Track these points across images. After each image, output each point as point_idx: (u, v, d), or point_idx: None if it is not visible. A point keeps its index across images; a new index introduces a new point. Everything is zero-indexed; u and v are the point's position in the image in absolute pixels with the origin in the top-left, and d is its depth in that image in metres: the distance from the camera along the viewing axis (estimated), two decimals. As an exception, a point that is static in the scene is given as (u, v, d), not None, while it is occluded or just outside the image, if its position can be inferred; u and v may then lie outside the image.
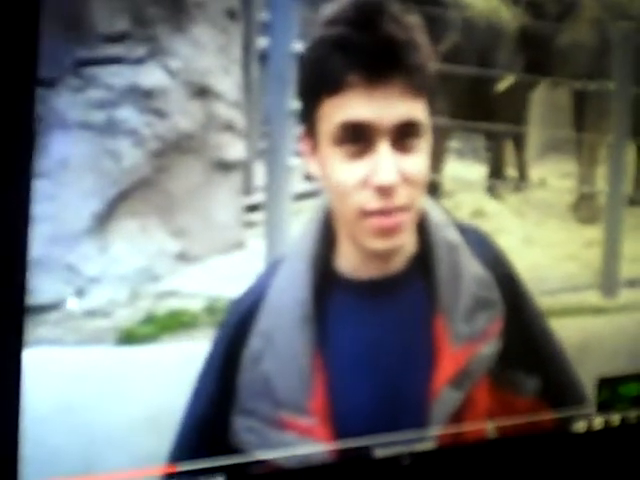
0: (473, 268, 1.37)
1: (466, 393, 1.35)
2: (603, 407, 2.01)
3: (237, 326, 1.32)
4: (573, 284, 2.89)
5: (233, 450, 1.35)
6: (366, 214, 1.19)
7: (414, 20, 1.19)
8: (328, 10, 1.23)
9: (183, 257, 2.16)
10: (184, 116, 2.20)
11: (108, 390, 1.76)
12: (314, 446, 1.32)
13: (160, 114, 2.13)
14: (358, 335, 1.34)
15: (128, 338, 1.93)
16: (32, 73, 1.43)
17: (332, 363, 1.31)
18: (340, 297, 1.33)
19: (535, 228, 3.08)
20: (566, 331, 1.81)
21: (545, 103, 3.56)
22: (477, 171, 2.98)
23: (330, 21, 1.22)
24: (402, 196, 1.20)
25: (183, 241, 2.16)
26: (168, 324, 2.00)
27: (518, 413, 1.42)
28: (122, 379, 1.81)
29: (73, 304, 1.81)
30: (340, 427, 1.29)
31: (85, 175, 1.98)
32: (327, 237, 1.34)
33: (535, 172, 3.61)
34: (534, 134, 3.58)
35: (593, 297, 2.96)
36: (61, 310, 1.87)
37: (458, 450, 1.46)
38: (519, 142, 3.78)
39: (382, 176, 1.16)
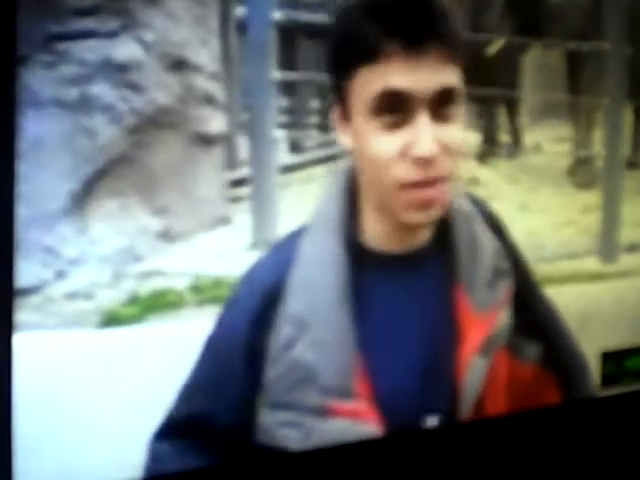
0: (487, 238, 1.34)
1: (491, 360, 1.32)
2: (608, 381, 1.96)
3: (259, 309, 1.25)
4: (571, 250, 2.84)
5: (260, 447, 1.29)
6: (405, 186, 1.15)
7: None
8: None
9: (166, 235, 2.11)
10: (161, 90, 2.14)
11: (93, 374, 1.71)
12: (364, 428, 1.27)
13: (136, 88, 2.07)
14: (389, 311, 1.30)
15: (112, 320, 1.89)
16: (11, 52, 1.36)
17: (368, 342, 1.27)
18: (371, 272, 1.29)
19: (530, 194, 3.02)
20: (565, 299, 1.75)
21: (538, 66, 3.50)
22: (469, 138, 2.92)
23: None
24: (441, 166, 1.17)
25: (165, 219, 2.11)
26: (153, 304, 1.96)
27: (523, 380, 1.39)
28: (107, 361, 1.75)
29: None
30: (385, 406, 1.25)
31: (60, 154, 1.93)
32: (352, 209, 1.28)
33: (529, 137, 3.56)
34: (527, 99, 3.53)
35: (592, 263, 2.91)
36: (42, 293, 1.82)
37: (482, 423, 1.42)
38: (512, 107, 3.72)
39: (422, 147, 1.12)
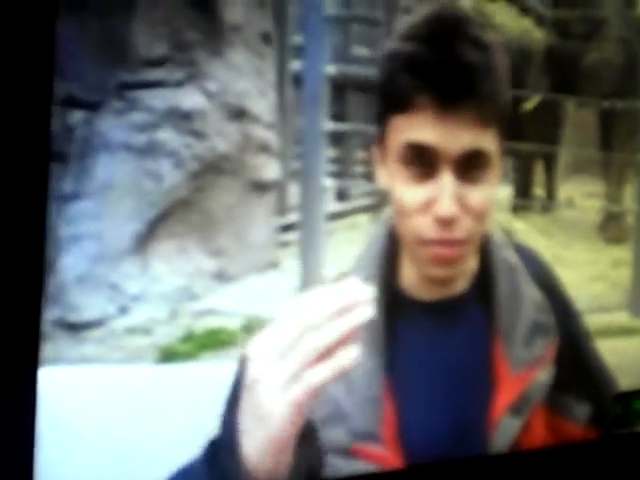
0: (531, 291, 1.35)
1: (525, 420, 1.34)
2: (618, 422, 2.01)
3: None
4: (601, 304, 2.88)
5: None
6: (425, 242, 1.18)
7: (494, 39, 1.16)
8: (402, 24, 1.21)
9: (220, 276, 2.19)
10: (222, 137, 2.23)
11: (149, 408, 1.77)
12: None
13: (199, 135, 2.16)
14: (424, 358, 1.31)
15: (168, 356, 1.95)
16: (48, 91, 1.43)
17: (400, 387, 1.28)
18: (406, 318, 1.30)
19: (563, 248, 3.09)
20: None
21: (572, 123, 3.58)
22: (504, 191, 3.00)
23: (403, 36, 1.18)
24: (463, 228, 1.16)
25: (220, 260, 2.19)
26: (207, 342, 2.02)
27: (569, 439, 1.41)
28: (163, 397, 1.82)
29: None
30: (409, 454, 1.27)
31: (127, 196, 2.02)
32: (392, 254, 1.32)
33: (562, 192, 3.64)
34: (562, 154, 3.59)
35: (622, 317, 2.95)
36: (106, 327, 1.90)
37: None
38: (550, 162, 3.81)
39: (443, 207, 1.13)
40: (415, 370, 1.31)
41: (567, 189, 3.55)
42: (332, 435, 1.26)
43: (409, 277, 1.30)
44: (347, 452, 1.26)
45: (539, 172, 3.63)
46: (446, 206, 1.13)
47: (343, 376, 1.29)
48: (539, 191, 3.61)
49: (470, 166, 1.15)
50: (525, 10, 3.73)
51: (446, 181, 1.14)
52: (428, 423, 1.31)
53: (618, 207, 3.57)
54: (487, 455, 1.33)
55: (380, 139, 1.23)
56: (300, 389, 0.80)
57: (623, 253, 3.26)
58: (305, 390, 0.80)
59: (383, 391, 1.27)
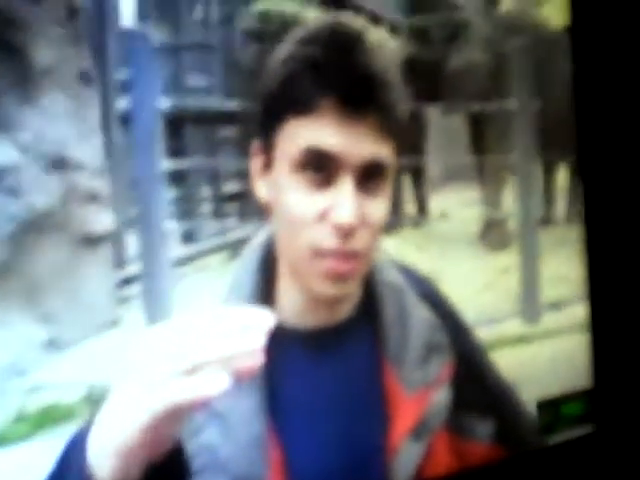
0: (420, 311, 1.25)
1: (426, 444, 1.22)
2: (546, 430, 1.91)
3: None
4: (492, 315, 2.80)
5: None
6: (319, 254, 1.05)
7: (391, 54, 1.06)
8: (300, 31, 1.11)
9: (52, 345, 2.02)
10: (40, 192, 2.06)
11: None
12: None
13: (12, 193, 1.99)
14: (309, 392, 1.19)
15: (-1, 440, 1.79)
16: None
17: (286, 427, 1.16)
18: (286, 350, 1.18)
19: (441, 261, 2.98)
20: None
21: (438, 131, 3.49)
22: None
23: (303, 40, 1.08)
24: (360, 240, 1.06)
25: (51, 327, 2.03)
26: (42, 420, 1.86)
27: (475, 460, 1.29)
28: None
29: None
30: None
31: None
32: (266, 281, 1.19)
33: (435, 203, 3.54)
34: (431, 165, 3.50)
35: (516, 325, 2.88)
36: None
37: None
38: (417, 174, 3.70)
39: (342, 214, 1.02)
40: (301, 406, 1.17)
41: (441, 200, 3.46)
42: (205, 483, 1.11)
43: (289, 305, 1.17)
44: (231, 502, 1.11)
45: (407, 186, 3.54)
46: (347, 213, 1.03)
47: (218, 419, 1.15)
48: (409, 206, 3.52)
49: (369, 177, 1.06)
50: (376, 20, 3.64)
51: (346, 189, 1.03)
52: (321, 463, 1.17)
53: (498, 212, 3.44)
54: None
55: (265, 145, 1.10)
56: (159, 399, 0.68)
57: (508, 259, 3.15)
58: (163, 402, 0.68)
59: (267, 433, 1.13)
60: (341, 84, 1.08)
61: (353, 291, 1.22)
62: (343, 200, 1.08)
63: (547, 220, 3.55)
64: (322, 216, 1.08)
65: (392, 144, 1.13)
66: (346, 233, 1.08)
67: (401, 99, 1.12)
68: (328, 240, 1.09)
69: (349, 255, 1.10)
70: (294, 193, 1.10)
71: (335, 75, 1.09)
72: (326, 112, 1.09)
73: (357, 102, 1.08)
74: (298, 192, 1.10)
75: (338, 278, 1.12)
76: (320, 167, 1.09)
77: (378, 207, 1.12)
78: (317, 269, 1.09)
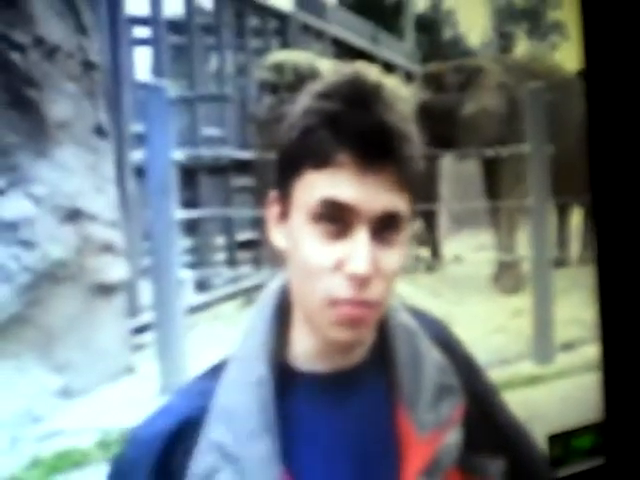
0: (432, 354, 1.27)
1: None
2: (557, 463, 1.92)
3: (162, 448, 1.17)
4: (504, 356, 2.81)
5: None
6: (334, 302, 1.08)
7: (406, 108, 1.10)
8: (318, 84, 1.14)
9: (67, 392, 2.06)
10: (55, 243, 2.10)
11: None
12: None
13: (27, 245, 2.03)
14: (322, 436, 1.21)
15: (13, 487, 1.81)
16: None
17: (299, 471, 1.18)
18: (299, 395, 1.20)
19: (454, 306, 3.00)
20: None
21: (452, 177, 3.52)
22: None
23: (321, 94, 1.12)
24: (374, 289, 1.09)
25: (66, 375, 2.06)
26: (56, 466, 1.89)
27: None
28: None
29: None
30: None
31: (-51, 321, 1.88)
32: (281, 327, 1.22)
33: (449, 248, 3.57)
34: (444, 210, 3.53)
35: (527, 367, 2.88)
36: None
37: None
38: (429, 219, 3.74)
39: (358, 264, 1.05)
40: (314, 448, 1.19)
41: (455, 245, 3.49)
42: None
43: (303, 350, 1.19)
44: None
45: (421, 231, 3.57)
46: (362, 263, 1.05)
47: (232, 463, 1.17)
48: (423, 251, 3.54)
49: (384, 228, 1.08)
50: (390, 68, 3.68)
51: (362, 239, 1.06)
52: None
53: (511, 256, 3.48)
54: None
55: (281, 197, 1.14)
56: None
57: (521, 302, 3.15)
58: None
59: (280, 475, 1.15)
60: (359, 138, 1.11)
61: (367, 337, 1.24)
62: (359, 251, 1.11)
63: (561, 262, 3.55)
64: (337, 266, 1.11)
65: (408, 195, 1.16)
66: (361, 283, 1.11)
67: (417, 151, 1.15)
68: (343, 290, 1.12)
69: (363, 304, 1.13)
70: (310, 243, 1.13)
71: (353, 129, 1.12)
72: (343, 165, 1.12)
73: (374, 155, 1.12)
74: (314, 242, 1.13)
75: (352, 324, 1.15)
76: (336, 218, 1.12)
77: (393, 257, 1.15)
78: (331, 316, 1.12)
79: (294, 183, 1.13)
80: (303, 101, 1.15)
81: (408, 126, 1.12)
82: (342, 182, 1.08)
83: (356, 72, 1.18)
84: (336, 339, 1.11)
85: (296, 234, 1.12)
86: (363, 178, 1.08)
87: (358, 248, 1.07)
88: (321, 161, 1.10)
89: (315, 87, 1.17)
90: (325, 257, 1.08)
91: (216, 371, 1.22)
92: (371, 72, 1.18)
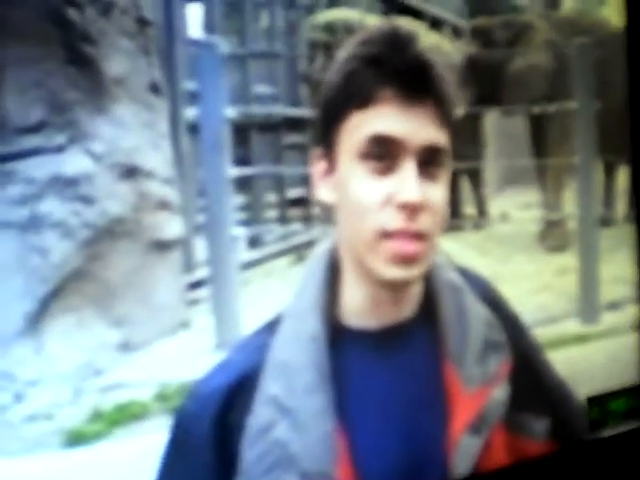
0: (478, 310, 1.29)
1: (485, 439, 1.26)
2: (595, 425, 1.94)
3: (222, 402, 1.21)
4: (550, 315, 2.82)
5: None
6: (386, 235, 1.11)
7: (445, 55, 1.19)
8: (360, 34, 1.20)
9: (126, 346, 2.09)
10: (113, 200, 2.13)
11: None
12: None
13: (87, 201, 2.06)
14: (373, 389, 1.25)
15: (76, 439, 1.86)
16: None
17: (352, 422, 1.22)
18: (350, 352, 1.23)
19: (501, 263, 3.01)
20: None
21: (499, 134, 3.51)
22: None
23: (363, 41, 1.18)
24: (424, 221, 1.12)
25: (125, 329, 2.09)
26: (117, 418, 1.93)
27: (530, 457, 1.34)
28: (74, 482, 1.71)
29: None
30: None
31: (13, 275, 1.92)
32: (332, 285, 1.25)
33: (495, 206, 3.56)
34: (490, 168, 3.52)
35: (573, 325, 2.88)
36: (-1, 419, 1.80)
37: None
38: (475, 177, 3.73)
39: (408, 193, 1.09)
40: (365, 402, 1.23)
41: (501, 203, 3.48)
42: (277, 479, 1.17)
43: (354, 305, 1.22)
44: (301, 496, 1.16)
45: (467, 189, 3.57)
46: (413, 191, 1.10)
47: (288, 416, 1.21)
48: (469, 209, 3.54)
49: (428, 162, 1.12)
50: (438, 24, 3.66)
51: (410, 171, 1.11)
52: (384, 455, 1.23)
53: (557, 214, 3.47)
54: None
55: (327, 149, 1.18)
56: None
57: (567, 260, 3.15)
58: None
59: (334, 428, 1.18)
60: (400, 74, 1.16)
61: (409, 295, 1.27)
62: (407, 180, 1.14)
63: (607, 221, 3.54)
64: (387, 200, 1.15)
65: (448, 132, 1.20)
66: (412, 212, 1.14)
67: (453, 92, 1.19)
68: (394, 221, 1.15)
69: (414, 235, 1.15)
70: (360, 181, 1.17)
71: (394, 67, 1.16)
72: (387, 101, 1.16)
73: (415, 91, 1.16)
74: (363, 180, 1.17)
75: (405, 260, 1.17)
76: (383, 155, 1.16)
77: (438, 192, 1.19)
78: (384, 253, 1.15)
79: (340, 128, 1.17)
80: (345, 50, 1.19)
81: (444, 69, 1.16)
82: (387, 117, 1.13)
83: (395, 23, 1.22)
84: (389, 277, 1.14)
85: (345, 177, 1.16)
86: (406, 112, 1.12)
87: (407, 178, 1.11)
88: (366, 100, 1.14)
89: (357, 37, 1.21)
90: (375, 192, 1.12)
91: (271, 327, 1.25)
92: (410, 24, 1.23)
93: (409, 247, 1.12)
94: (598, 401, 1.98)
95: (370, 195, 1.13)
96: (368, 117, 1.15)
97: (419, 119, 1.15)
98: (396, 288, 1.19)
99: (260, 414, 1.18)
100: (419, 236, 1.13)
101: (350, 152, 1.16)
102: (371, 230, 1.12)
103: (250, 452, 1.18)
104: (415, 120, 1.14)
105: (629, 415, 2.03)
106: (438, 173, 1.16)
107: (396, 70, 1.15)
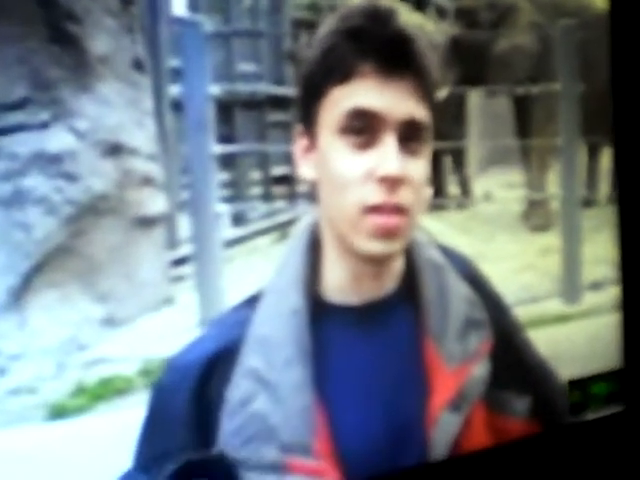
0: (460, 288, 1.31)
1: (465, 416, 1.28)
2: (576, 409, 1.96)
3: (200, 374, 1.22)
4: (533, 295, 2.84)
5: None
6: (367, 210, 1.13)
7: (424, 31, 1.20)
8: (339, 10, 1.22)
9: (110, 321, 2.10)
10: (97, 177, 2.14)
11: (44, 470, 1.68)
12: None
13: (70, 178, 2.07)
14: (353, 364, 1.26)
15: (59, 412, 1.87)
16: None
17: (331, 396, 1.23)
18: (331, 327, 1.25)
19: (484, 242, 3.03)
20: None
21: (482, 114, 3.53)
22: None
23: (343, 17, 1.20)
24: (404, 196, 1.14)
25: (108, 305, 2.11)
26: (101, 393, 1.95)
27: (511, 435, 1.36)
28: (57, 456, 1.72)
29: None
30: (347, 464, 1.21)
31: (-4, 251, 1.92)
32: (313, 260, 1.27)
33: (479, 186, 3.59)
34: (474, 147, 3.55)
35: (555, 305, 2.91)
36: (-20, 393, 1.81)
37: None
38: (459, 157, 3.76)
39: (388, 166, 1.11)
40: (345, 377, 1.26)
41: (484, 182, 3.51)
42: (262, 452, 1.20)
43: (335, 281, 1.25)
44: (279, 468, 1.20)
45: (450, 169, 3.59)
46: (393, 165, 1.13)
47: (268, 389, 1.23)
48: (453, 189, 3.57)
49: (410, 137, 1.15)
50: (422, 3, 3.67)
51: (390, 145, 1.14)
52: (364, 430, 1.26)
53: (541, 194, 3.51)
54: (429, 462, 1.27)
55: (307, 125, 1.21)
56: None
57: (550, 240, 3.19)
58: None
59: (313, 401, 1.21)
60: (379, 48, 1.18)
61: (399, 251, 1.28)
62: (388, 154, 1.16)
63: (589, 202, 3.57)
64: (368, 174, 1.17)
65: (428, 107, 1.21)
66: (392, 185, 1.16)
67: (433, 66, 1.21)
68: (375, 195, 1.17)
69: (395, 209, 1.17)
70: (340, 155, 1.19)
71: (373, 40, 1.18)
72: (366, 76, 1.18)
73: (395, 64, 1.18)
74: (344, 154, 1.19)
75: (386, 234, 1.19)
76: (363, 129, 1.18)
77: (419, 166, 1.20)
78: (365, 227, 1.17)
79: (320, 104, 1.19)
80: (326, 26, 1.21)
81: (424, 44, 1.18)
82: (367, 91, 1.15)
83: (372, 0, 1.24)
84: (370, 252, 1.16)
85: (325, 152, 1.18)
86: (386, 86, 1.15)
87: (387, 152, 1.13)
88: (345, 74, 1.17)
89: (336, 13, 1.23)
90: (356, 167, 1.15)
91: (251, 302, 1.27)
92: (391, 1, 1.23)
93: (390, 221, 1.14)
94: (579, 384, 1.99)
95: (351, 170, 1.15)
96: (348, 91, 1.16)
97: (399, 93, 1.16)
98: (377, 262, 1.21)
99: (240, 386, 1.20)
100: (400, 210, 1.15)
101: (330, 127, 1.17)
102: (353, 205, 1.14)
103: (229, 424, 1.20)
104: (395, 94, 1.16)
105: (610, 399, 2.05)
106: (419, 149, 1.17)
107: (376, 44, 1.16)
